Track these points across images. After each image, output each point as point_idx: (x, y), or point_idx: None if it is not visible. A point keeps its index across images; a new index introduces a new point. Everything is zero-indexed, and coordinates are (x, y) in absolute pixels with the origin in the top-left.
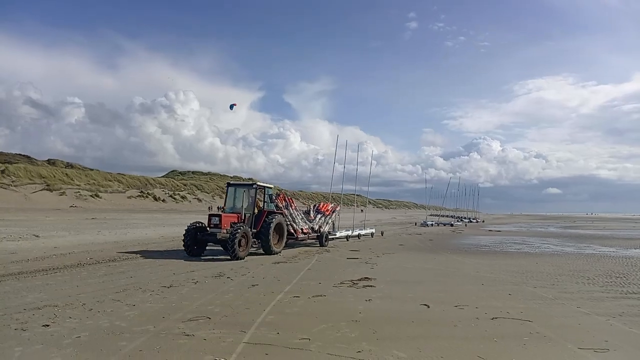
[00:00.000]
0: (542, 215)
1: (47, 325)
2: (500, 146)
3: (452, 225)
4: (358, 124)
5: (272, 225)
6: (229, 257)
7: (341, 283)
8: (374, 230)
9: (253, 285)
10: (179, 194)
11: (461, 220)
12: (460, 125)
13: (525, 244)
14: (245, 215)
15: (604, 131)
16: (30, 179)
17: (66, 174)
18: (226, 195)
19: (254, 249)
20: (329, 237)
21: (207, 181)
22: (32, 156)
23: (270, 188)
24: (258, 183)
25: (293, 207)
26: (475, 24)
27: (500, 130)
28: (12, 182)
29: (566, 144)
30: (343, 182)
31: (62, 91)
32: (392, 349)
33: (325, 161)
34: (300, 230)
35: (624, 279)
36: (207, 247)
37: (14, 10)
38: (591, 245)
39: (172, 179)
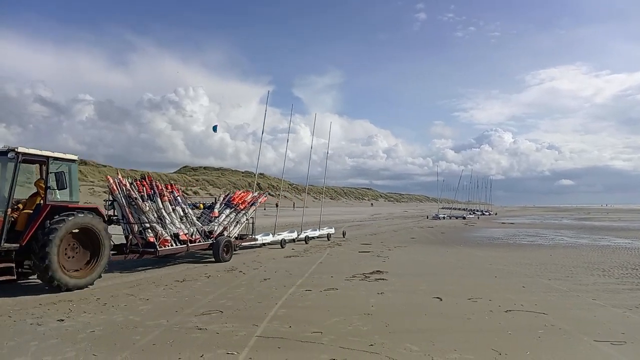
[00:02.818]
0: (556, 207)
1: (62, 320)
2: (512, 138)
3: (464, 218)
4: (368, 117)
5: (59, 234)
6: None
7: (353, 276)
8: (332, 231)
9: (265, 279)
10: (191, 190)
11: (473, 213)
12: (471, 117)
13: (539, 236)
14: None
15: (618, 121)
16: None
17: (80, 170)
18: None
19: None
20: (238, 246)
21: (219, 176)
22: None
23: (68, 161)
24: (19, 149)
25: (166, 199)
26: (485, 14)
27: (512, 121)
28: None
29: (579, 135)
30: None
31: (73, 88)
32: (404, 342)
33: (335, 155)
34: (168, 239)
35: None
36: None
37: (25, 9)
38: (606, 237)
39: (184, 175)
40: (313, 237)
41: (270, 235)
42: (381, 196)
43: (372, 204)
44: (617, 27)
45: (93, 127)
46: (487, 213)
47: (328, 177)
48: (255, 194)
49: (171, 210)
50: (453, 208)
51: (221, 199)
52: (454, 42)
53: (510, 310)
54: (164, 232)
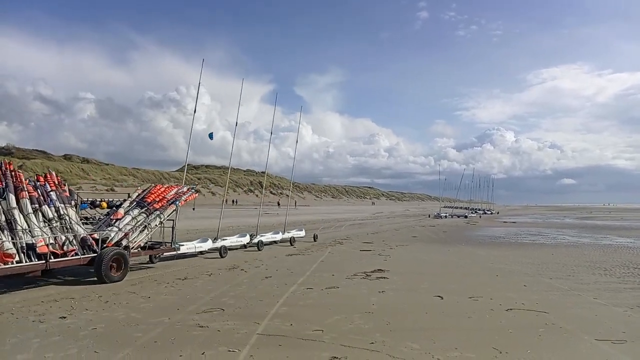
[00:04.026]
0: (558, 207)
1: (64, 317)
2: (514, 137)
3: (466, 217)
4: (370, 116)
5: None
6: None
7: (354, 275)
8: (302, 234)
9: (266, 277)
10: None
11: (475, 211)
12: (472, 116)
13: (541, 235)
14: None
15: (620, 120)
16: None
17: (82, 168)
18: None
19: None
20: (158, 256)
21: (221, 175)
22: (48, 151)
23: None
24: None
25: (25, 195)
26: (487, 13)
27: (513, 120)
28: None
29: (581, 134)
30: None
31: (75, 87)
32: (405, 340)
33: (336, 153)
34: (13, 253)
35: None
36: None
37: (27, 7)
38: (608, 236)
39: (187, 173)
40: (273, 242)
41: (210, 241)
42: (383, 195)
43: (373, 202)
44: (619, 26)
45: (94, 125)
46: (489, 212)
47: (330, 176)
48: (184, 188)
49: (31, 211)
50: (455, 207)
51: (135, 195)
52: (456, 41)
53: (511, 309)
54: (6, 243)
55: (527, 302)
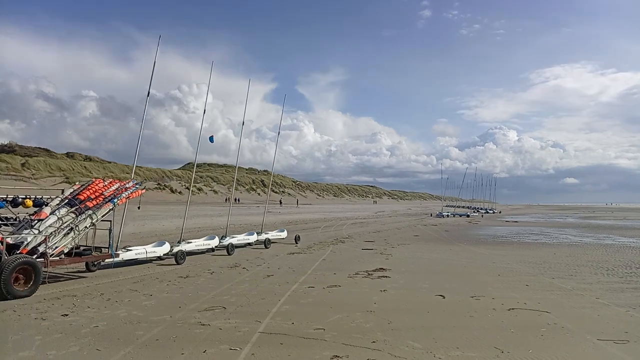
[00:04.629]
0: (560, 206)
1: (66, 315)
2: (517, 136)
3: (468, 216)
4: (372, 115)
5: None
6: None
7: (356, 273)
8: (283, 235)
9: (268, 276)
10: (195, 186)
11: (477, 211)
12: (475, 115)
13: (543, 235)
14: None
15: (623, 119)
16: (50, 172)
17: (85, 166)
18: None
19: None
20: (97, 263)
21: (223, 173)
22: (51, 149)
23: None
24: None
25: None
26: (490, 12)
27: (516, 119)
28: (32, 175)
29: (584, 133)
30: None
31: (79, 84)
32: (407, 339)
33: (338, 152)
34: None
35: None
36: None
37: (29, 5)
38: (610, 236)
39: (188, 171)
40: (247, 244)
41: (167, 244)
42: (385, 194)
43: (375, 201)
44: (623, 25)
45: (96, 123)
46: (491, 211)
47: (332, 174)
48: (129, 184)
49: None
50: (457, 206)
51: (68, 192)
52: (459, 39)
53: (513, 309)
54: None
55: (529, 301)
